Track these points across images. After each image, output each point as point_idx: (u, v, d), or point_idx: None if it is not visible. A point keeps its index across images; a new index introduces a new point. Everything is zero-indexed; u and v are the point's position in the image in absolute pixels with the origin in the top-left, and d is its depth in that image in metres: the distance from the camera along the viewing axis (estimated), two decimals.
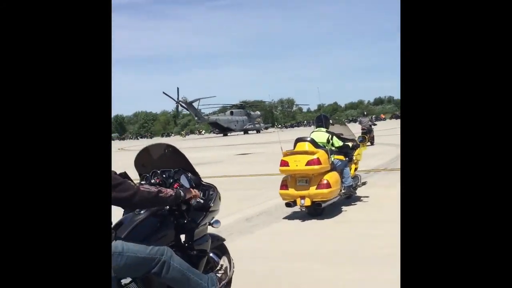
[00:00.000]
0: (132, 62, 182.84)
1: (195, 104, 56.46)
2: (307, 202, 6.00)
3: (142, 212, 2.62)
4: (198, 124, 72.94)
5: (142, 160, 3.10)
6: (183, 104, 56.17)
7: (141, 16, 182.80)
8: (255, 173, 12.17)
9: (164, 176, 2.92)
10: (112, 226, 2.43)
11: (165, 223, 2.66)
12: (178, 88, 56.31)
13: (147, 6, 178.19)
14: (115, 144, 52.76)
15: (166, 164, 2.98)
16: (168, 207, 2.64)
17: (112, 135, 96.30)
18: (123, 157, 23.55)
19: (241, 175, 12.07)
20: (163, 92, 55.14)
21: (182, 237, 2.79)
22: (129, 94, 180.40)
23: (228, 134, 57.15)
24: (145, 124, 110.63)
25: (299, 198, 6.08)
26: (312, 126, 7.87)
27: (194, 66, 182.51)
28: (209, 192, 2.90)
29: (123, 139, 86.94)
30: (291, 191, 6.20)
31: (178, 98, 55.69)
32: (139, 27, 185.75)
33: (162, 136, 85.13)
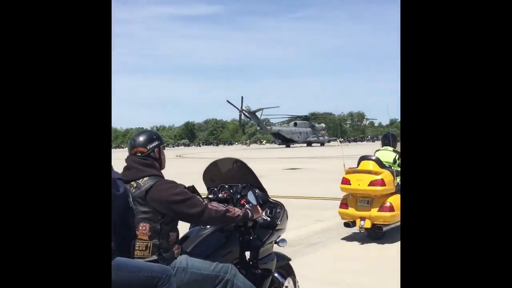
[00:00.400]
0: (206, 70, 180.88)
1: (258, 114, 55.39)
2: (367, 224, 5.68)
3: (208, 227, 2.60)
4: (260, 134, 71.25)
5: (211, 174, 3.07)
6: (246, 113, 55.02)
7: (222, 27, 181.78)
8: (293, 194, 9.65)
9: (231, 191, 2.89)
10: (179, 239, 2.43)
11: (230, 240, 2.62)
12: (242, 97, 54.67)
13: (227, 17, 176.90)
14: (179, 151, 51.02)
15: (234, 178, 2.95)
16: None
17: (182, 141, 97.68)
18: (178, 165, 22.88)
19: (276, 195, 9.43)
20: (227, 101, 54.19)
21: (247, 255, 2.74)
22: (201, 101, 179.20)
23: (291, 145, 55.73)
24: (214, 131, 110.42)
25: (359, 219, 5.78)
26: (377, 142, 7.48)
27: (269, 76, 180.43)
28: (276, 210, 2.85)
29: (188, 145, 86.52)
30: (351, 210, 5.89)
31: (241, 107, 54.33)
32: (217, 37, 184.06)
33: (225, 144, 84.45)
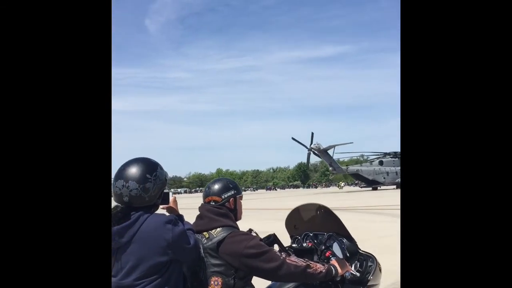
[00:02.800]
0: (333, 110, 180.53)
1: (330, 152, 47.55)
2: None
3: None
4: (333, 175, 63.04)
5: (294, 221, 2.87)
6: (316, 152, 47.27)
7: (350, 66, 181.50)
8: None
9: (316, 241, 2.63)
10: None
11: None
12: (312, 134, 47.34)
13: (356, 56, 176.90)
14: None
15: (318, 226, 2.71)
16: None
17: (295, 182, 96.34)
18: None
19: None
20: (292, 138, 47.35)
21: None
22: (322, 141, 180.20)
23: (379, 188, 47.23)
24: (327, 171, 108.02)
25: None
26: None
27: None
28: (367, 263, 2.54)
29: (297, 187, 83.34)
30: None
31: (310, 145, 47.06)
32: (345, 76, 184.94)
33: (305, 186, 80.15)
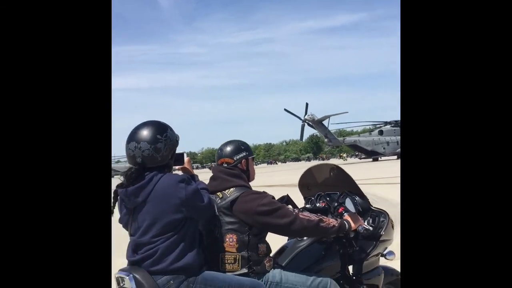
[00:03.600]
0: (349, 80, 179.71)
1: (325, 123, 44.64)
2: None
3: (305, 238, 2.42)
4: (329, 147, 58.99)
5: (306, 182, 2.90)
6: (310, 123, 44.30)
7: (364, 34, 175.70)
8: None
9: (328, 199, 2.67)
10: (272, 253, 2.31)
11: (329, 252, 2.43)
12: (307, 104, 44.13)
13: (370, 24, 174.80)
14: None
15: (331, 186, 2.73)
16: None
17: (306, 155, 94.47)
18: None
19: None
20: (285, 109, 44.64)
21: (350, 269, 2.52)
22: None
23: (380, 158, 44.28)
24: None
25: None
26: None
27: None
28: (379, 219, 2.53)
29: (309, 159, 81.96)
30: None
31: (305, 116, 44.11)
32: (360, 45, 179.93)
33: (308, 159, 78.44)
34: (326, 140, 46.55)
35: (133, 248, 1.97)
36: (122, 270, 1.93)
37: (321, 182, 2.84)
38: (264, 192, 2.24)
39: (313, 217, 2.21)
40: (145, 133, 1.96)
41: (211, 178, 2.33)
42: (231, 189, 2.22)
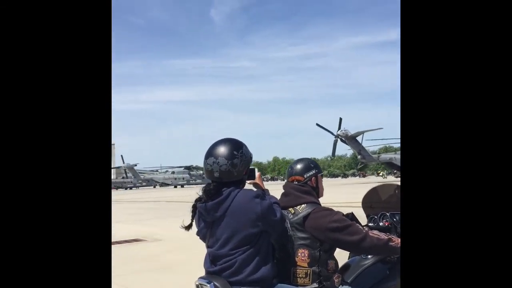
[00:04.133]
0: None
1: (358, 139, 42.92)
2: None
3: (369, 256, 2.47)
4: (361, 164, 57.26)
5: (370, 201, 2.93)
6: (343, 138, 42.41)
7: None
8: None
9: (394, 219, 2.69)
10: (338, 268, 2.36)
11: (393, 272, 2.46)
12: (340, 119, 42.41)
13: None
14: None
15: (395, 206, 2.73)
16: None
17: (350, 171, 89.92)
18: None
19: None
20: (317, 124, 42.69)
21: None
22: None
23: None
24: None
25: None
26: None
27: None
28: None
29: (355, 175, 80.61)
30: None
31: (338, 131, 42.41)
32: None
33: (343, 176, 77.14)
34: (359, 157, 44.84)
35: (212, 259, 2.10)
36: (202, 278, 2.07)
37: (385, 201, 2.87)
38: (333, 209, 2.32)
39: (383, 235, 2.27)
40: (222, 149, 2.10)
41: (283, 194, 2.43)
42: (303, 205, 2.31)
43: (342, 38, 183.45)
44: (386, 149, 65.52)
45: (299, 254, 2.21)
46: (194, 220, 2.18)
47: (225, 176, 2.08)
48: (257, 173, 2.29)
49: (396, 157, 43.69)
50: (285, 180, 2.54)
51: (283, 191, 2.45)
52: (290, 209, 2.31)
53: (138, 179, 64.63)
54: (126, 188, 61.55)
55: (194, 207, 2.15)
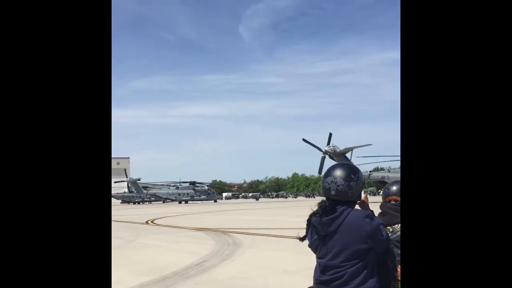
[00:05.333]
0: None
1: (348, 155, 40.60)
2: None
3: None
4: None
5: None
6: (331, 155, 40.34)
7: None
8: None
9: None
10: None
11: None
12: (330, 134, 40.16)
13: None
14: None
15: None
16: None
17: (369, 189, 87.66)
18: None
19: None
20: (303, 139, 40.62)
21: None
22: None
23: None
24: None
25: None
26: None
27: None
28: None
29: (374, 194, 78.39)
30: None
31: (326, 147, 40.34)
32: None
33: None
34: None
35: (322, 269, 2.30)
36: (312, 287, 2.30)
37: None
38: None
39: None
40: (341, 171, 2.32)
41: (380, 214, 2.59)
42: (400, 224, 2.43)
43: (372, 54, 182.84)
44: (377, 170, 64.31)
45: (399, 269, 2.32)
46: (307, 233, 2.40)
47: (340, 195, 2.28)
48: (363, 194, 2.45)
49: (389, 175, 41.82)
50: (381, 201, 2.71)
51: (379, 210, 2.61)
52: (388, 227, 2.47)
53: (140, 193, 63.93)
54: (134, 203, 60.88)
55: (309, 220, 2.37)
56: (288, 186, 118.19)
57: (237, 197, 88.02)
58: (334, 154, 40.59)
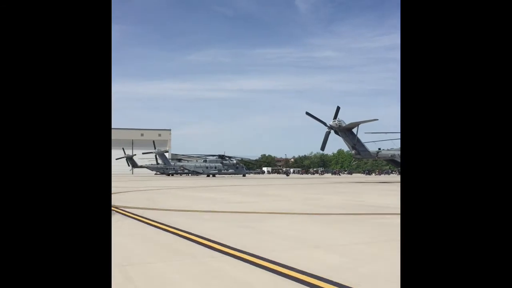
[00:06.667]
0: None
1: (354, 131, 36.56)
2: None
3: None
4: (356, 160, 48.22)
5: None
6: (336, 130, 36.47)
7: None
8: None
9: None
10: None
11: None
12: (338, 108, 36.13)
13: None
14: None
15: None
16: None
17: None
18: None
19: None
20: (306, 113, 36.12)
21: None
22: None
23: None
24: None
25: None
26: None
27: None
28: None
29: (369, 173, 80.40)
30: None
31: (331, 121, 36.41)
32: None
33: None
34: (353, 152, 37.83)
35: None
36: None
37: None
38: None
39: None
40: None
41: None
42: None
43: None
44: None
45: None
46: None
47: None
48: None
49: (399, 153, 36.75)
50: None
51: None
52: None
53: (167, 165, 63.54)
54: (168, 175, 60.86)
55: None
56: (333, 162, 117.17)
57: (279, 172, 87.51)
58: (339, 129, 36.59)
